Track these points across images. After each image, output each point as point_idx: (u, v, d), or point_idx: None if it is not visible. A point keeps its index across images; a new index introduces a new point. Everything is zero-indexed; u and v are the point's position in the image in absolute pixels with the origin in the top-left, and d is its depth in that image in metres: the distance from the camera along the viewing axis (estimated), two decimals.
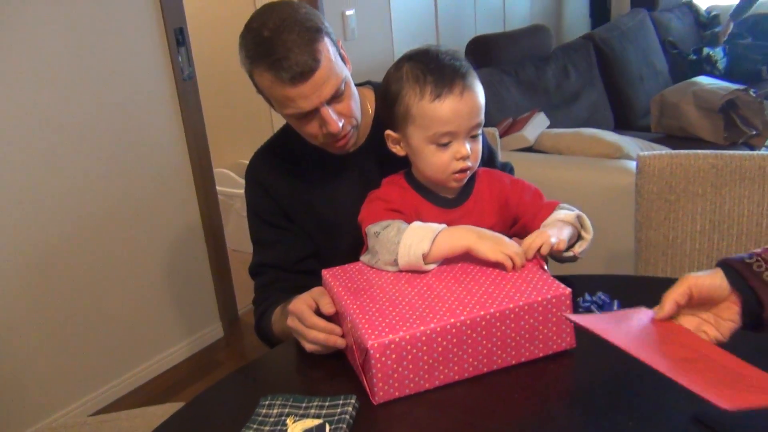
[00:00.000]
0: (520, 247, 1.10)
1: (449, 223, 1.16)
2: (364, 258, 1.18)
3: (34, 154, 2.17)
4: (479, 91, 1.17)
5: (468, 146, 1.16)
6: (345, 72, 1.23)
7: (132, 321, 2.53)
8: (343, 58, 1.24)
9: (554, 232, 1.13)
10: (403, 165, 1.27)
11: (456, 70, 1.15)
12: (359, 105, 1.29)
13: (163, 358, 2.66)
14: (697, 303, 0.84)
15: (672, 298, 0.84)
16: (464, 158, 1.16)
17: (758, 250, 0.85)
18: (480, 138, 1.20)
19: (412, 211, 1.20)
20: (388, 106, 1.20)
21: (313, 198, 1.37)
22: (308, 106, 1.19)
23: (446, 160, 1.17)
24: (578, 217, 1.20)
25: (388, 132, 1.22)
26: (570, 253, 1.17)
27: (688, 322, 0.85)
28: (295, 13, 1.18)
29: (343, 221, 1.35)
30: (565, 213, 1.20)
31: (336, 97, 1.21)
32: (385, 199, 1.22)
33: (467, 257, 1.12)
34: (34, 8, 2.11)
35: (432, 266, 1.12)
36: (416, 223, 1.14)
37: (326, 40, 1.19)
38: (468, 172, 1.19)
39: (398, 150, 1.23)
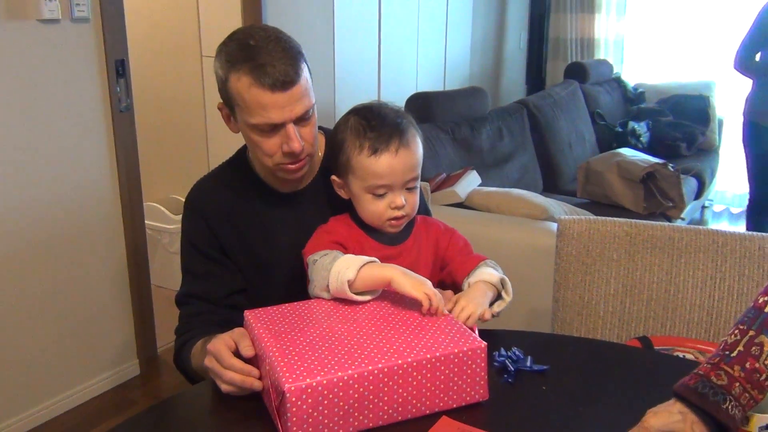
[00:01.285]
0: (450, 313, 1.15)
1: (390, 259, 1.22)
2: (309, 288, 1.22)
3: None
4: (416, 148, 1.24)
5: (403, 197, 1.23)
6: (314, 100, 1.28)
7: (45, 353, 2.43)
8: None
9: (480, 300, 1.20)
10: (341, 212, 1.33)
11: (396, 127, 1.22)
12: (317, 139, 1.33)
13: (75, 393, 2.56)
14: None
15: None
16: (399, 208, 1.23)
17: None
18: (417, 189, 1.27)
19: (356, 246, 1.26)
20: (334, 153, 1.27)
21: (250, 234, 1.37)
22: (278, 118, 1.21)
23: (382, 209, 1.24)
24: (501, 281, 1.26)
25: (334, 177, 1.29)
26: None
27: None
28: (280, 34, 1.24)
29: (277, 260, 1.36)
30: (490, 272, 1.27)
31: (303, 120, 1.25)
32: (331, 231, 1.28)
33: (397, 300, 1.16)
34: None
35: (364, 297, 1.16)
36: (349, 255, 1.20)
37: (305, 65, 1.25)
38: (403, 219, 1.26)
39: (342, 194, 1.30)
